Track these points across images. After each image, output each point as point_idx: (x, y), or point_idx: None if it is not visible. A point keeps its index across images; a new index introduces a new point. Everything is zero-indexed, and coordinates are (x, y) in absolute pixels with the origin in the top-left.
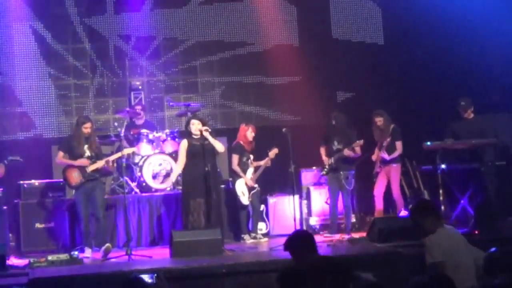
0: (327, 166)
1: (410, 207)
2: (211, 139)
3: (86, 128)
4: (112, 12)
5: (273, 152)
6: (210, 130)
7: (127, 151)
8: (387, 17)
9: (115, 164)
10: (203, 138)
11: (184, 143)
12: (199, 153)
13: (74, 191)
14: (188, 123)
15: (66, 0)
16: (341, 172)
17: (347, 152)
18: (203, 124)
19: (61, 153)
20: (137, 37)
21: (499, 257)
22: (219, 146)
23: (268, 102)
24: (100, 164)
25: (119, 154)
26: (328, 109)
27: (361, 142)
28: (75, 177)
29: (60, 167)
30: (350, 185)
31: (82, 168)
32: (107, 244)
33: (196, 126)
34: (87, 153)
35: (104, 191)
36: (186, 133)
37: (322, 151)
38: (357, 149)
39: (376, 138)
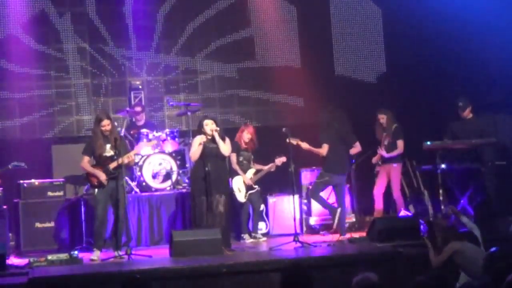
0: None
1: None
2: (218, 140)
3: (104, 126)
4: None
5: (279, 160)
6: (218, 130)
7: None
8: (387, 18)
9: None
10: (212, 138)
11: (202, 137)
12: (207, 154)
13: (96, 190)
14: (201, 125)
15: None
16: None
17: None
18: (216, 124)
19: (86, 158)
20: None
21: (499, 257)
22: (224, 149)
23: (268, 92)
24: (120, 161)
25: (135, 151)
26: (328, 95)
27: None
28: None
29: (62, 166)
30: None
31: (104, 167)
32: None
33: (210, 126)
34: (111, 152)
35: (125, 190)
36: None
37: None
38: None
39: (378, 136)
